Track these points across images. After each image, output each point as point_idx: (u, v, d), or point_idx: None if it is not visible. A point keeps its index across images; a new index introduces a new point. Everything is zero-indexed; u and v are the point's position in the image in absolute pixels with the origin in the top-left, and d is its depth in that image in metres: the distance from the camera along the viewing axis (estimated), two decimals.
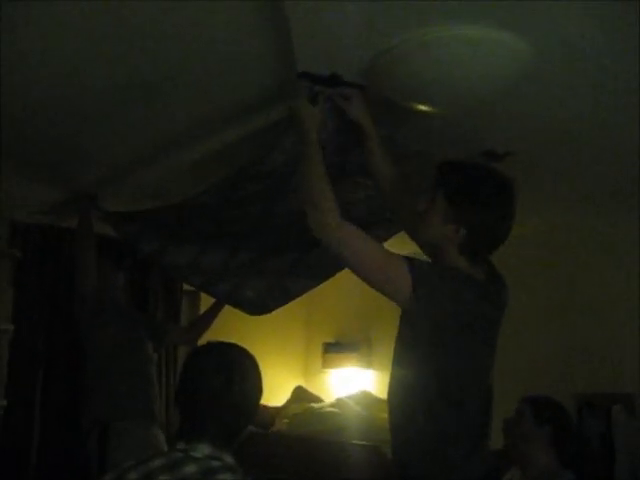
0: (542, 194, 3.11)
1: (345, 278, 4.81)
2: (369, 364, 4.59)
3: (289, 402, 4.56)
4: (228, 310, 3.95)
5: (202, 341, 3.26)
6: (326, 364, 4.97)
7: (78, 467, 3.56)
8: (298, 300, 5.13)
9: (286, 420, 4.18)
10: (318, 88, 1.99)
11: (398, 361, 1.96)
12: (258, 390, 1.72)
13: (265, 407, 4.36)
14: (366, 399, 4.07)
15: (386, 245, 2.05)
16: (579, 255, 3.71)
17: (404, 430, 1.92)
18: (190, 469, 1.54)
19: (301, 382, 4.97)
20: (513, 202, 1.94)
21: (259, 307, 3.15)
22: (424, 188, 2.33)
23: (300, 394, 4.63)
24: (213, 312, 3.61)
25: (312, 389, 4.79)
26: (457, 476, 1.86)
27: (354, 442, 3.58)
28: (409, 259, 1.83)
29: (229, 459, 1.60)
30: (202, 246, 3.05)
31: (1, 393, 3.30)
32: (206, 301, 3.95)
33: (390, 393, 1.99)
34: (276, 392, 4.72)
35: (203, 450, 1.59)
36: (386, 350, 2.12)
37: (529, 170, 2.72)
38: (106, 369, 3.30)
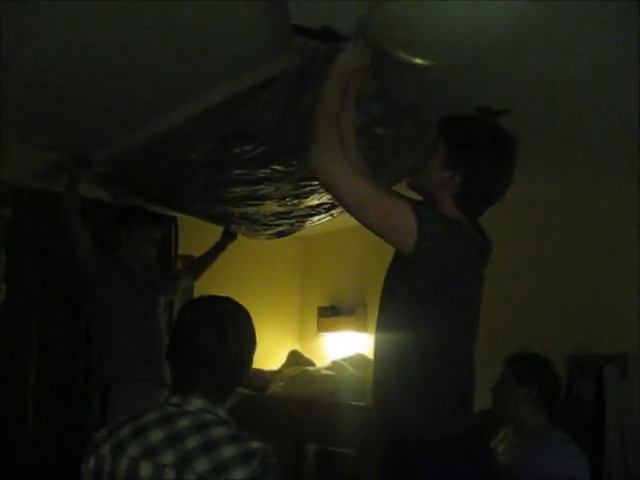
0: (540, 156, 3.08)
1: (339, 242, 4.90)
2: (364, 328, 4.60)
3: (284, 366, 4.57)
4: (221, 275, 3.99)
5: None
6: (321, 328, 4.98)
7: (75, 430, 3.59)
8: (292, 264, 5.21)
9: (281, 383, 4.19)
10: (313, 42, 1.96)
11: (388, 312, 1.95)
12: (252, 343, 1.72)
13: (260, 371, 4.39)
14: (361, 362, 4.07)
15: None
16: (573, 218, 3.71)
17: (392, 384, 1.91)
18: (184, 423, 1.55)
19: (296, 346, 4.99)
20: (512, 159, 1.95)
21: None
22: (418, 142, 2.34)
23: (295, 358, 4.64)
24: (216, 250, 3.89)
25: (307, 353, 4.80)
26: (444, 431, 1.86)
27: (349, 403, 3.60)
28: (412, 204, 1.81)
29: (223, 413, 1.61)
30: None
31: None
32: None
33: (378, 346, 1.98)
34: (271, 356, 4.74)
35: (197, 404, 1.59)
36: None
37: (527, 131, 2.70)
38: (112, 333, 3.31)
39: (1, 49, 2.18)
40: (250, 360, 1.73)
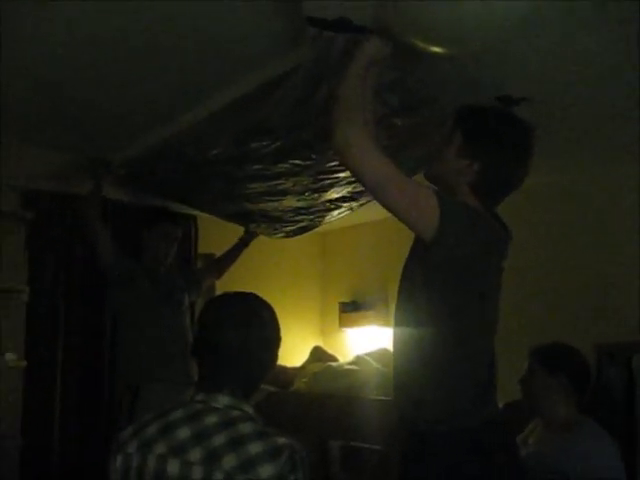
0: (556, 145, 3.05)
1: (358, 237, 4.89)
2: (386, 322, 4.58)
3: (307, 362, 4.57)
4: (242, 273, 3.98)
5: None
6: (343, 323, 4.97)
7: (102, 431, 3.60)
8: (313, 261, 5.21)
9: (305, 379, 4.18)
10: (327, 33, 1.95)
11: (406, 301, 1.92)
12: (276, 338, 1.71)
13: (284, 367, 4.39)
14: (385, 356, 4.05)
15: None
16: (598, 204, 3.67)
17: (410, 375, 1.88)
18: (210, 419, 1.54)
19: (318, 342, 4.99)
20: (530, 148, 1.93)
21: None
22: (436, 133, 2.32)
23: (318, 354, 4.63)
24: (239, 247, 3.88)
25: (330, 349, 4.80)
26: (464, 422, 1.83)
27: (373, 398, 3.58)
28: (436, 191, 1.79)
29: (249, 409, 1.60)
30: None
31: (21, 354, 3.32)
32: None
33: (397, 337, 1.96)
34: (294, 353, 4.74)
35: (223, 401, 1.58)
36: None
37: (543, 120, 2.67)
38: (137, 334, 3.33)
39: (15, 52, 2.19)
40: (275, 356, 1.71)
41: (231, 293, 1.75)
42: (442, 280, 1.82)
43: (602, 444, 2.33)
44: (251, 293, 1.74)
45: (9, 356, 3.24)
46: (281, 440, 1.50)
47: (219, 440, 1.49)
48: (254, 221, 3.55)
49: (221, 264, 3.93)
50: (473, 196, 1.89)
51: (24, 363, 3.29)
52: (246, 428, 1.52)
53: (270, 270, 4.75)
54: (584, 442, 2.32)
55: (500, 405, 2.01)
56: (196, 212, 3.92)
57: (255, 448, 1.47)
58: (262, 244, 4.09)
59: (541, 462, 2.31)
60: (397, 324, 1.96)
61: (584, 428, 2.37)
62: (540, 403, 2.46)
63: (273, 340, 1.70)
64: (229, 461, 1.45)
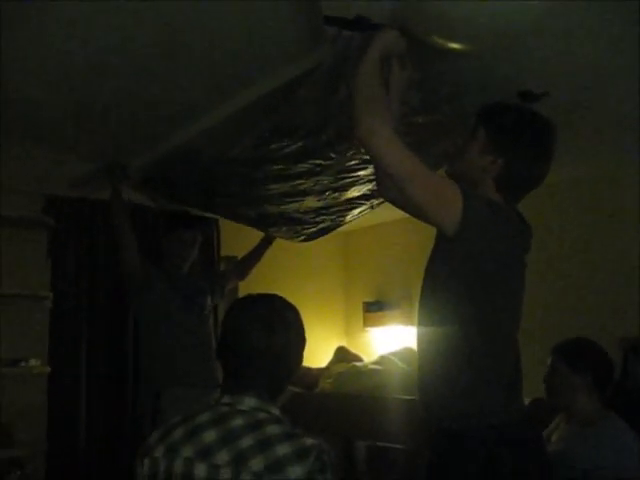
0: (575, 141, 3.02)
1: (381, 236, 4.87)
2: (411, 321, 4.56)
3: (332, 363, 4.56)
4: (265, 274, 3.98)
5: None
6: (367, 323, 4.96)
7: (126, 434, 3.63)
8: (336, 261, 5.20)
9: (329, 380, 4.17)
10: (346, 33, 1.94)
11: (430, 298, 1.91)
12: (301, 339, 1.70)
13: (308, 368, 4.39)
14: (409, 355, 4.03)
15: None
16: (618, 199, 3.63)
17: (435, 372, 1.88)
18: (237, 422, 1.53)
19: (343, 343, 4.98)
20: (552, 144, 1.94)
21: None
22: (456, 130, 2.31)
23: (342, 354, 4.62)
24: (262, 247, 3.87)
25: (354, 349, 4.79)
26: (490, 419, 1.82)
27: (399, 397, 3.56)
28: (461, 185, 1.78)
29: (276, 411, 1.60)
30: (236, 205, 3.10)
31: (44, 360, 3.35)
32: None
33: (421, 335, 1.95)
34: (318, 353, 4.74)
35: (249, 403, 1.58)
36: None
37: (561, 116, 2.65)
38: (160, 339, 3.33)
39: (31, 57, 2.20)
40: (300, 357, 1.71)
41: (255, 295, 1.74)
42: (465, 275, 1.81)
43: (625, 439, 2.32)
44: (275, 295, 1.74)
45: (33, 362, 3.27)
46: (309, 441, 1.50)
47: (246, 442, 1.49)
48: (275, 225, 3.53)
49: (244, 265, 3.92)
50: (497, 192, 1.89)
51: (48, 369, 3.33)
52: (273, 430, 1.51)
53: (293, 271, 4.76)
54: (607, 437, 2.31)
55: (526, 402, 2.00)
56: (216, 216, 3.93)
57: (283, 449, 1.47)
58: (285, 245, 4.08)
59: (565, 458, 2.30)
60: (421, 322, 1.95)
61: (607, 423, 2.36)
62: (563, 400, 2.45)
63: (298, 341, 1.69)
64: (257, 463, 1.45)
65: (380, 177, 2.04)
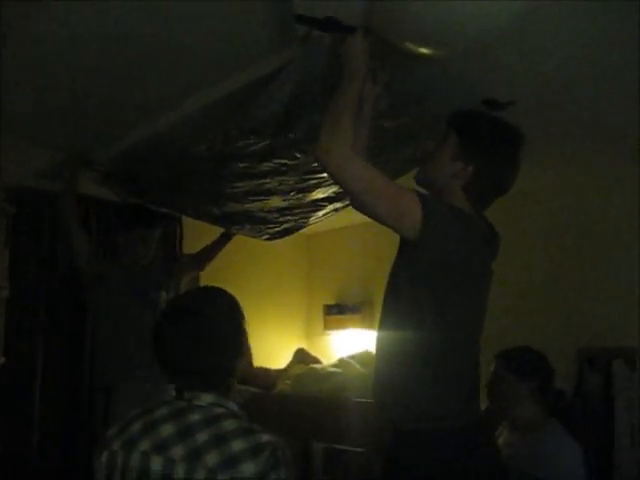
0: (542, 148, 3.07)
1: (344, 240, 4.89)
2: (371, 325, 4.59)
3: (291, 364, 4.54)
4: (226, 274, 3.96)
5: None
6: (327, 326, 4.98)
7: (80, 426, 3.58)
8: (298, 263, 5.21)
9: (288, 381, 4.16)
10: (316, 33, 1.95)
11: (392, 302, 1.93)
12: (235, 322, 1.69)
13: (267, 369, 4.38)
14: (368, 358, 4.03)
15: None
16: (580, 211, 3.70)
17: (394, 376, 1.89)
18: (194, 417, 1.54)
19: (303, 345, 4.98)
20: (520, 151, 1.99)
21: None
22: (422, 134, 2.34)
23: (301, 356, 4.61)
24: (221, 242, 3.82)
25: (314, 351, 4.78)
26: (449, 421, 1.84)
27: (356, 400, 3.57)
28: (419, 193, 1.81)
29: (233, 406, 1.60)
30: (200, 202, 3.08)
31: (0, 350, 3.29)
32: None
33: (381, 338, 1.96)
34: (278, 355, 4.75)
35: (206, 399, 1.58)
36: None
37: (529, 124, 2.69)
38: (112, 333, 3.29)
39: (4, 47, 2.18)
40: (239, 342, 1.68)
41: (187, 290, 1.76)
42: (427, 280, 1.83)
43: (567, 444, 2.39)
44: (208, 286, 1.75)
45: None
46: (264, 437, 1.50)
47: (202, 437, 1.49)
48: (238, 223, 3.52)
49: (202, 257, 3.86)
50: (465, 199, 1.92)
51: (2, 360, 3.26)
52: (230, 425, 1.51)
53: (255, 273, 4.75)
54: (548, 443, 2.37)
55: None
56: (179, 214, 3.90)
57: (238, 445, 1.47)
58: (247, 246, 4.08)
59: (510, 465, 2.34)
60: (382, 325, 1.96)
61: (549, 429, 2.42)
62: (508, 408, 2.49)
63: (231, 322, 1.68)
64: (212, 458, 1.45)
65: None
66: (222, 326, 1.64)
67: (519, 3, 1.79)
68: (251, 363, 1.75)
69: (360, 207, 1.88)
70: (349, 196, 1.92)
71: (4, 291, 3.29)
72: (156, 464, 1.48)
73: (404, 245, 1.90)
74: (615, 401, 3.32)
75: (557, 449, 2.36)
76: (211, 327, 1.62)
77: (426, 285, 1.83)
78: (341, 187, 1.94)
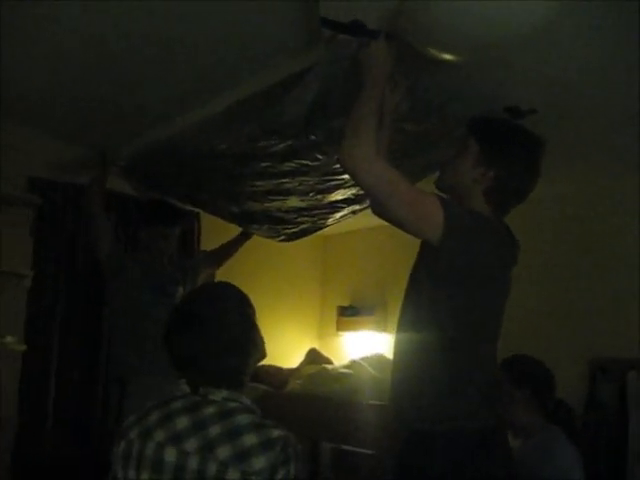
0: (559, 157, 3.07)
1: (359, 242, 4.90)
2: (384, 328, 4.60)
3: (303, 364, 4.57)
4: (241, 274, 3.97)
5: None
6: (340, 327, 4.99)
7: (94, 417, 3.62)
8: (313, 264, 5.23)
9: (299, 381, 4.19)
10: (341, 36, 1.97)
11: (412, 304, 1.96)
12: (246, 320, 1.71)
13: (279, 368, 4.41)
14: (380, 362, 4.06)
15: None
16: (594, 219, 3.68)
17: (413, 377, 1.91)
18: (209, 410, 1.57)
19: (315, 345, 4.99)
20: (541, 158, 2.01)
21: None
22: (443, 140, 2.35)
23: (314, 356, 4.64)
24: (240, 240, 3.82)
25: (326, 352, 4.80)
26: (465, 424, 1.86)
27: (367, 402, 3.59)
28: (441, 197, 1.83)
29: (246, 400, 1.62)
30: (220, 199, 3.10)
31: (21, 337, 3.34)
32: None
33: (400, 339, 1.99)
34: (290, 354, 4.76)
35: (221, 394, 1.61)
36: None
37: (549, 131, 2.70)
38: (128, 327, 3.32)
39: (25, 45, 2.21)
40: (251, 339, 1.70)
41: (196, 288, 1.77)
42: (449, 284, 1.86)
43: (564, 450, 2.44)
44: (217, 283, 1.77)
45: (9, 339, 3.25)
46: (276, 432, 1.52)
47: (215, 431, 1.52)
48: (256, 222, 3.54)
49: (218, 255, 3.86)
50: (486, 204, 1.94)
51: (24, 347, 3.31)
52: (243, 419, 1.54)
53: (270, 272, 4.77)
54: (543, 448, 2.43)
55: None
56: (198, 210, 3.93)
57: (250, 440, 1.50)
58: (263, 245, 4.09)
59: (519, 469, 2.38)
60: (401, 327, 1.99)
61: (545, 435, 2.48)
62: (506, 413, 2.52)
63: (241, 319, 1.69)
64: (223, 452, 1.48)
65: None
66: (232, 325, 1.66)
67: (541, 10, 1.80)
68: (265, 355, 1.76)
69: (381, 211, 1.90)
70: (370, 199, 1.94)
71: (26, 280, 3.34)
72: (170, 455, 1.52)
73: (425, 248, 1.92)
74: (629, 413, 3.30)
75: (551, 453, 2.41)
76: (221, 327, 1.65)
77: (447, 288, 1.86)
78: (363, 189, 1.96)
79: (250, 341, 1.69)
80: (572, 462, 2.43)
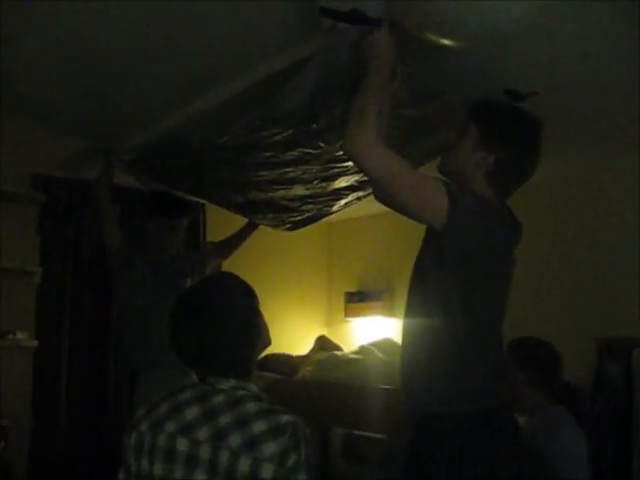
0: (560, 139, 3.07)
1: (365, 228, 4.91)
2: (392, 313, 4.62)
3: (312, 351, 4.60)
4: (248, 262, 4.00)
5: None
6: (348, 313, 5.00)
7: (107, 413, 3.66)
8: (319, 251, 5.24)
9: (309, 368, 4.21)
10: (340, 25, 1.98)
11: (419, 289, 1.98)
12: (250, 309, 1.72)
13: (289, 356, 4.45)
14: (389, 346, 4.08)
15: None
16: (597, 198, 3.68)
17: (421, 361, 1.94)
18: (218, 399, 1.59)
19: (324, 332, 5.01)
20: (540, 139, 2.02)
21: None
22: (443, 125, 2.36)
23: (323, 343, 4.66)
24: (247, 230, 3.83)
25: (334, 338, 4.83)
26: (474, 404, 1.89)
27: (377, 386, 3.61)
28: (444, 181, 1.85)
29: (254, 388, 1.65)
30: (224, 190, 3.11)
31: (32, 333, 3.37)
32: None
33: (407, 324, 2.01)
34: (299, 342, 4.80)
35: (228, 383, 1.63)
36: None
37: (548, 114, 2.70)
38: (137, 320, 3.34)
39: (26, 40, 2.23)
40: (255, 328, 1.71)
41: (199, 280, 1.79)
42: (454, 267, 1.87)
43: (568, 429, 2.50)
44: (220, 274, 1.79)
45: (20, 335, 3.29)
46: (285, 418, 1.55)
47: (225, 419, 1.54)
48: (261, 211, 3.55)
49: (226, 246, 3.87)
50: (488, 187, 1.96)
51: (35, 343, 3.34)
52: (251, 407, 1.57)
53: (277, 260, 4.79)
54: (547, 426, 2.48)
55: None
56: (203, 201, 3.94)
57: (259, 427, 1.52)
58: (269, 234, 4.10)
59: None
60: (409, 312, 2.01)
61: (551, 414, 2.54)
62: (511, 393, 2.56)
63: (244, 314, 1.70)
64: (234, 439, 1.51)
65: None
66: (237, 314, 1.68)
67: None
68: (269, 342, 1.77)
69: (383, 196, 1.91)
70: (374, 184, 1.95)
71: (36, 277, 3.36)
72: (182, 445, 1.54)
73: (430, 233, 1.94)
74: (635, 391, 3.32)
75: (557, 432, 2.46)
76: (226, 317, 1.67)
77: (453, 272, 1.87)
78: (366, 175, 1.97)
79: (255, 329, 1.71)
80: (577, 440, 2.47)
